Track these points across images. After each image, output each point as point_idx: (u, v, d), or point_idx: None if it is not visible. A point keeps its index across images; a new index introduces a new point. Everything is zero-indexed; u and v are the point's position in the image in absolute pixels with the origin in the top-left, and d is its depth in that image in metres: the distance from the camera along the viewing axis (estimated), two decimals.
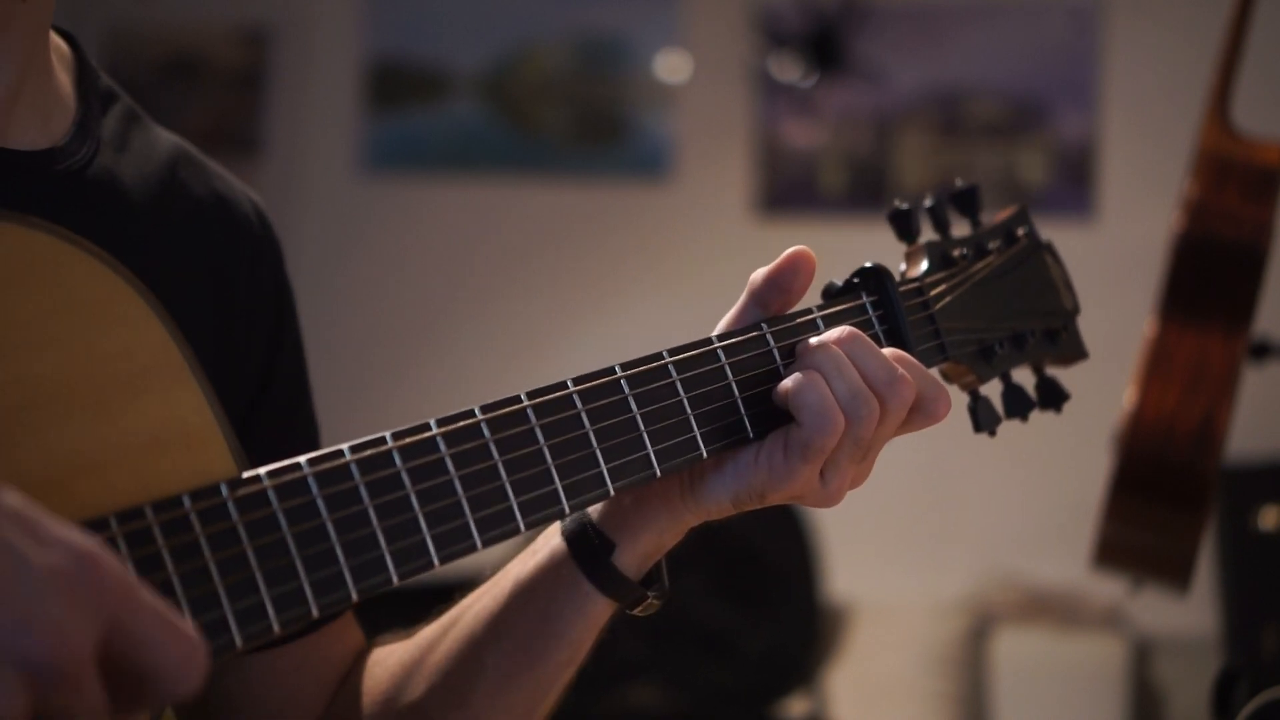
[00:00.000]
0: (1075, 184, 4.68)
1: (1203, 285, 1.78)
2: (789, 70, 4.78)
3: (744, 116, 4.83)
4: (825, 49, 4.74)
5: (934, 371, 1.03)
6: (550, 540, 1.02)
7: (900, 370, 0.95)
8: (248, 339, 1.09)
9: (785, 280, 0.99)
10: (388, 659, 1.09)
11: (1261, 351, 1.93)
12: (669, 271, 4.77)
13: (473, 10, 4.98)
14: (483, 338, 4.84)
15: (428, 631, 1.08)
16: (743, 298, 1.00)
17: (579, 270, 4.87)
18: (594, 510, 1.01)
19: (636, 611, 1.02)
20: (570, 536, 1.00)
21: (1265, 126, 1.99)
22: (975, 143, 4.73)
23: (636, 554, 1.00)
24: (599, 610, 1.01)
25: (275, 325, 1.12)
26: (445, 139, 4.98)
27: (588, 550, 0.99)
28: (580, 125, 4.96)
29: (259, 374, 1.09)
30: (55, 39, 1.05)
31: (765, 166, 4.81)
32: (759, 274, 1.00)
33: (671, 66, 4.91)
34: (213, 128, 4.99)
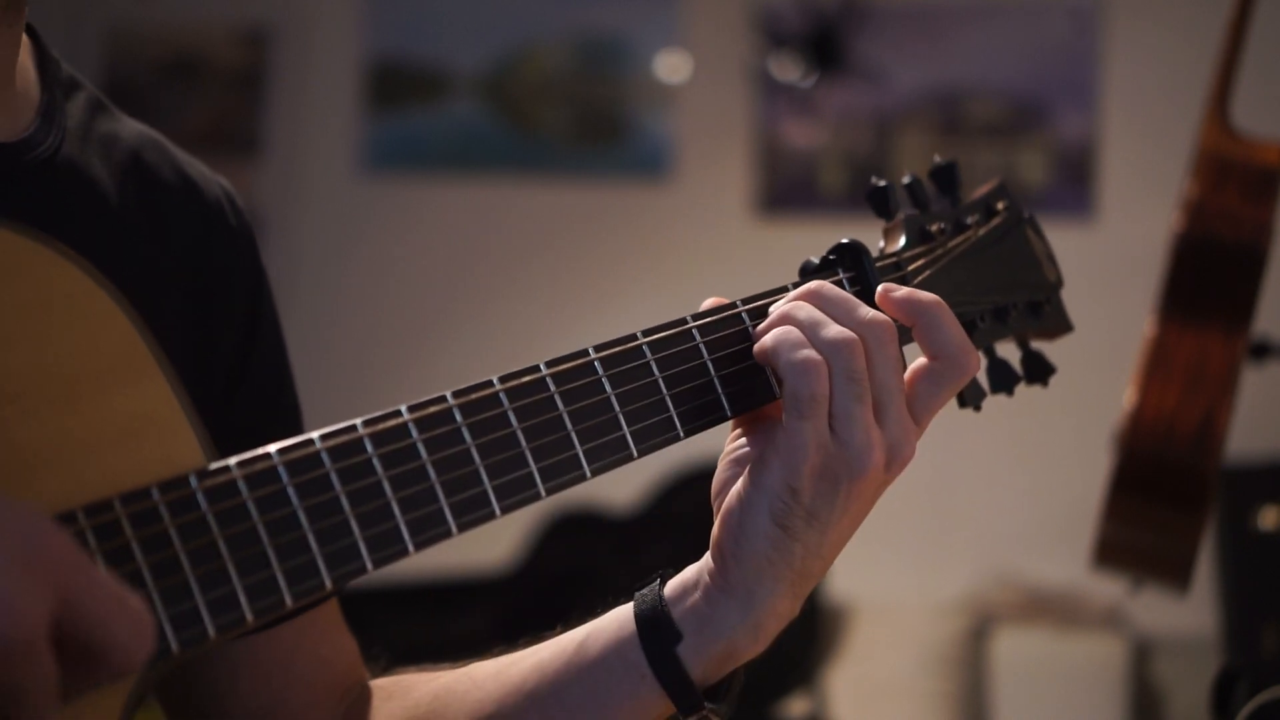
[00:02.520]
0: (1075, 184, 4.68)
1: (1203, 285, 1.78)
2: (789, 70, 4.78)
3: (744, 116, 4.83)
4: (825, 49, 4.74)
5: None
6: (623, 612, 0.99)
7: (872, 313, 0.94)
8: (221, 323, 1.08)
9: None
10: (430, 683, 1.07)
11: (1261, 351, 1.93)
12: (669, 271, 4.77)
13: (473, 10, 4.98)
14: (482, 337, 4.84)
15: (482, 666, 1.05)
16: None
17: (579, 270, 4.88)
18: (674, 602, 0.96)
19: None
20: (640, 614, 0.97)
21: (1265, 126, 1.99)
22: (975, 143, 4.73)
23: (703, 652, 0.95)
24: (652, 704, 0.96)
25: (251, 310, 1.10)
26: (445, 139, 4.98)
27: (653, 634, 0.95)
28: (580, 125, 4.96)
29: (235, 358, 1.08)
30: None
31: (765, 166, 4.81)
32: None
33: (671, 66, 4.91)
34: (213, 128, 4.99)
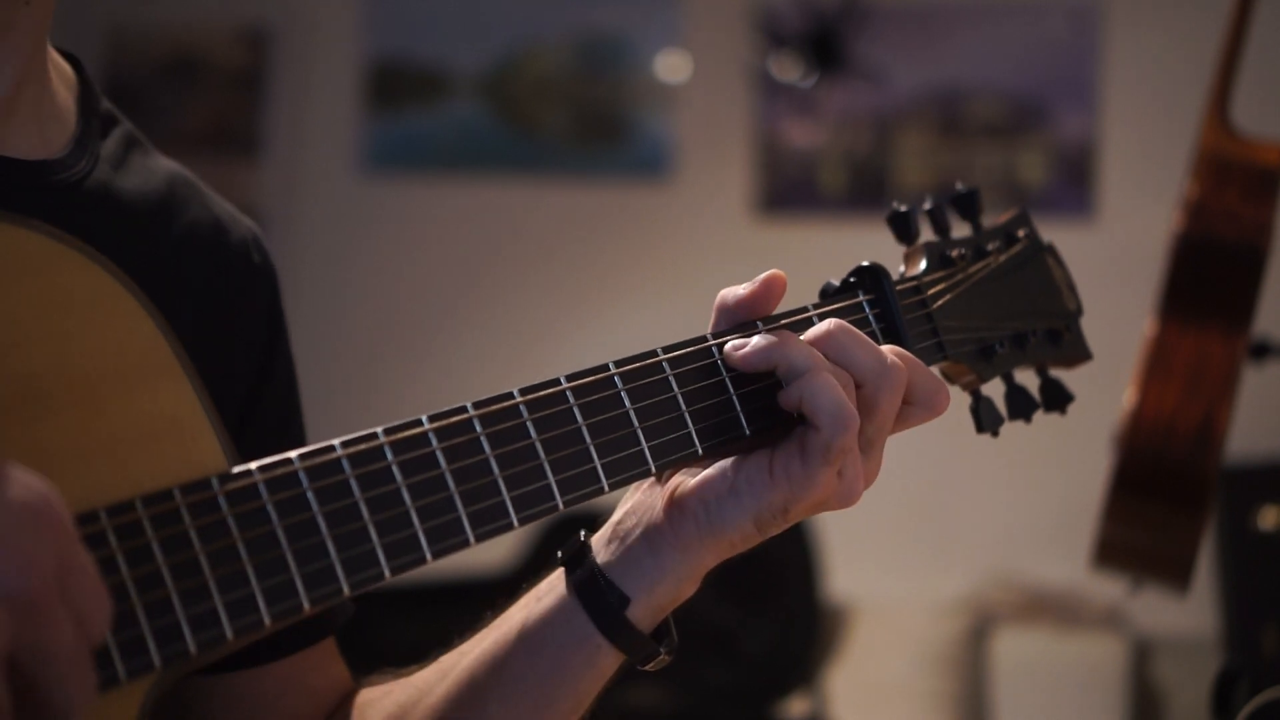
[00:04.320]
0: (1075, 184, 4.68)
1: (1203, 285, 1.78)
2: (789, 70, 4.78)
3: (744, 116, 4.83)
4: (825, 49, 4.75)
5: (934, 370, 1.03)
6: (557, 587, 0.99)
7: (892, 358, 0.95)
8: (237, 359, 1.08)
9: (759, 305, 0.98)
10: (382, 700, 1.07)
11: (1261, 351, 1.93)
12: (669, 271, 4.77)
13: (473, 10, 4.98)
14: (483, 338, 4.84)
15: (424, 674, 1.05)
16: (714, 317, 0.99)
17: (579, 270, 4.88)
18: (602, 555, 0.98)
19: (648, 667, 0.99)
20: (581, 588, 0.98)
21: (1265, 126, 1.99)
22: (975, 143, 4.73)
23: (651, 607, 0.97)
24: (609, 663, 0.98)
25: (266, 353, 1.11)
26: (445, 139, 4.98)
27: (601, 605, 0.97)
28: (580, 125, 4.96)
29: (245, 399, 1.09)
30: (59, 59, 1.06)
31: (765, 166, 4.81)
32: (732, 295, 0.98)
33: (671, 66, 4.91)
34: (213, 128, 4.99)
